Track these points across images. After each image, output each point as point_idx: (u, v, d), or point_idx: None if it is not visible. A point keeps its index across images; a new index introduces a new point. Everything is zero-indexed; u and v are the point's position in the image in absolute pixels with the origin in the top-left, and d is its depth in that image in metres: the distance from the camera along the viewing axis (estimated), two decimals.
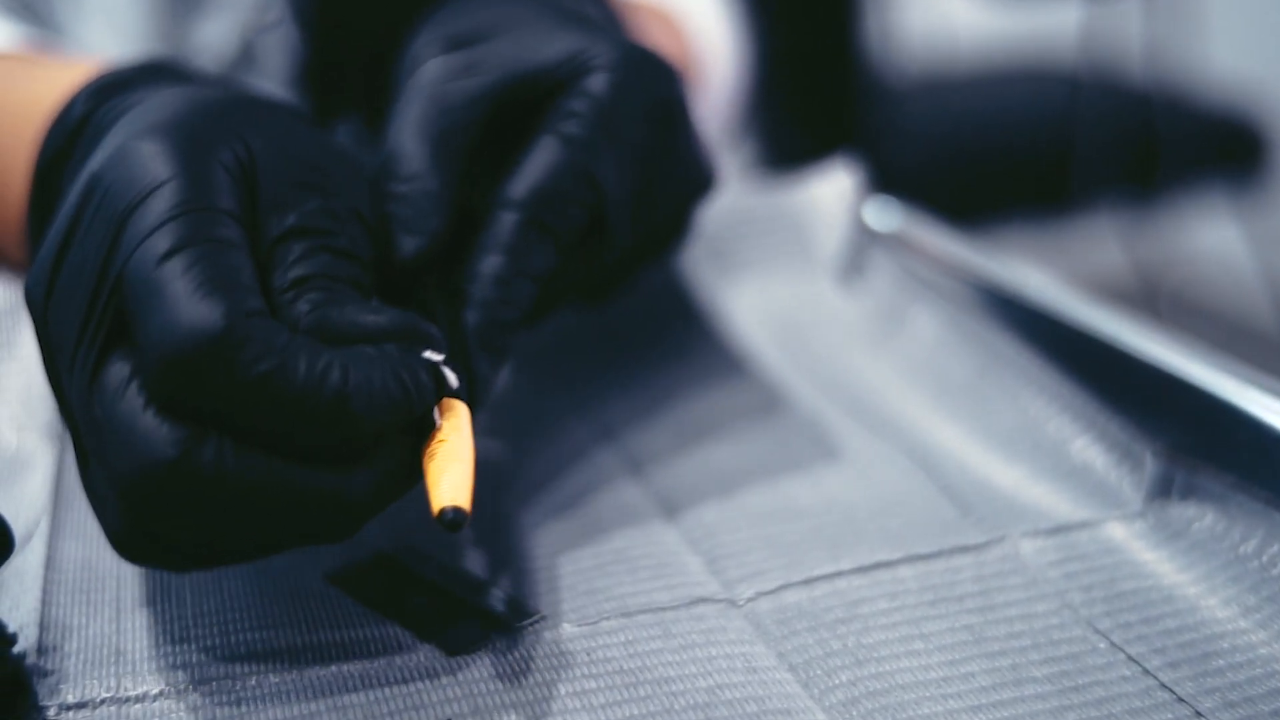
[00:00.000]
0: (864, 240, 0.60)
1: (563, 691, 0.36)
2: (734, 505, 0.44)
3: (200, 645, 0.37)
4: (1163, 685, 0.36)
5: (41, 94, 0.47)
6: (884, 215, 0.61)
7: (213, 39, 0.68)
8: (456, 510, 0.33)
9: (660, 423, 0.50)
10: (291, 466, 0.33)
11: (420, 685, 0.36)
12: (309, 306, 0.35)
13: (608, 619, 0.39)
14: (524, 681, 0.36)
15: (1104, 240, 1.82)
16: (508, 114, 0.43)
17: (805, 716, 0.35)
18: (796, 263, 0.60)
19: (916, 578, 0.41)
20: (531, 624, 0.38)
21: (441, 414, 0.36)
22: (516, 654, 0.37)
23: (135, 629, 0.38)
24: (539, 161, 0.42)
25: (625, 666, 0.37)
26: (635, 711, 0.35)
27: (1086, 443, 0.46)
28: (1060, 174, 1.66)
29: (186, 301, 0.32)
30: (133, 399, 0.33)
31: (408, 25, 0.48)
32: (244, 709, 0.35)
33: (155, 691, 0.36)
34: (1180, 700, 0.36)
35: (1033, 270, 0.54)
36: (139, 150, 0.35)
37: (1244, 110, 1.76)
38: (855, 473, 0.47)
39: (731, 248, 0.59)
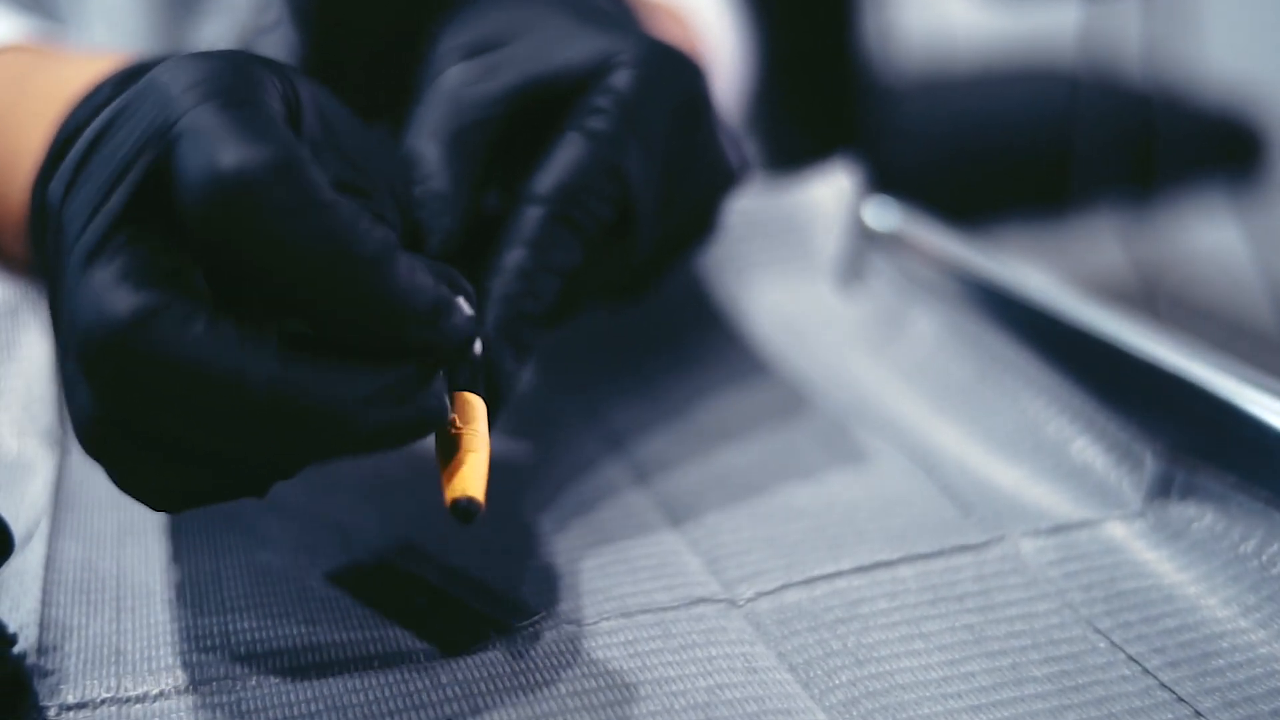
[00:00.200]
0: (864, 241, 0.60)
1: (563, 691, 0.36)
2: (734, 505, 0.44)
3: (200, 645, 0.37)
4: (1163, 685, 0.36)
5: (58, 89, 0.47)
6: (884, 215, 0.61)
7: (213, 40, 0.68)
8: (470, 500, 0.33)
9: (660, 423, 0.50)
10: (264, 347, 0.31)
11: (420, 685, 0.36)
12: None
13: (607, 619, 0.39)
14: (524, 681, 0.36)
15: (1103, 240, 1.83)
16: (532, 115, 0.43)
17: (805, 716, 0.35)
18: (796, 264, 0.60)
19: (917, 577, 0.41)
20: (531, 624, 0.38)
21: (456, 408, 0.36)
22: (516, 654, 0.37)
23: (135, 629, 0.38)
24: (564, 157, 0.42)
25: (625, 666, 0.37)
26: (635, 711, 0.35)
27: (1086, 443, 0.46)
28: (1059, 174, 1.67)
29: (233, 137, 0.31)
30: (120, 262, 0.31)
31: (408, 23, 0.48)
32: (244, 709, 0.35)
33: (155, 692, 0.36)
34: (1180, 700, 0.36)
35: (1033, 270, 0.54)
36: (190, 57, 0.34)
37: (1242, 110, 1.76)
38: (855, 473, 0.47)
39: (731, 250, 0.59)
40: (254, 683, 0.36)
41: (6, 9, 0.60)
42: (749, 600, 0.40)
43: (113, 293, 0.31)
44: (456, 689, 0.36)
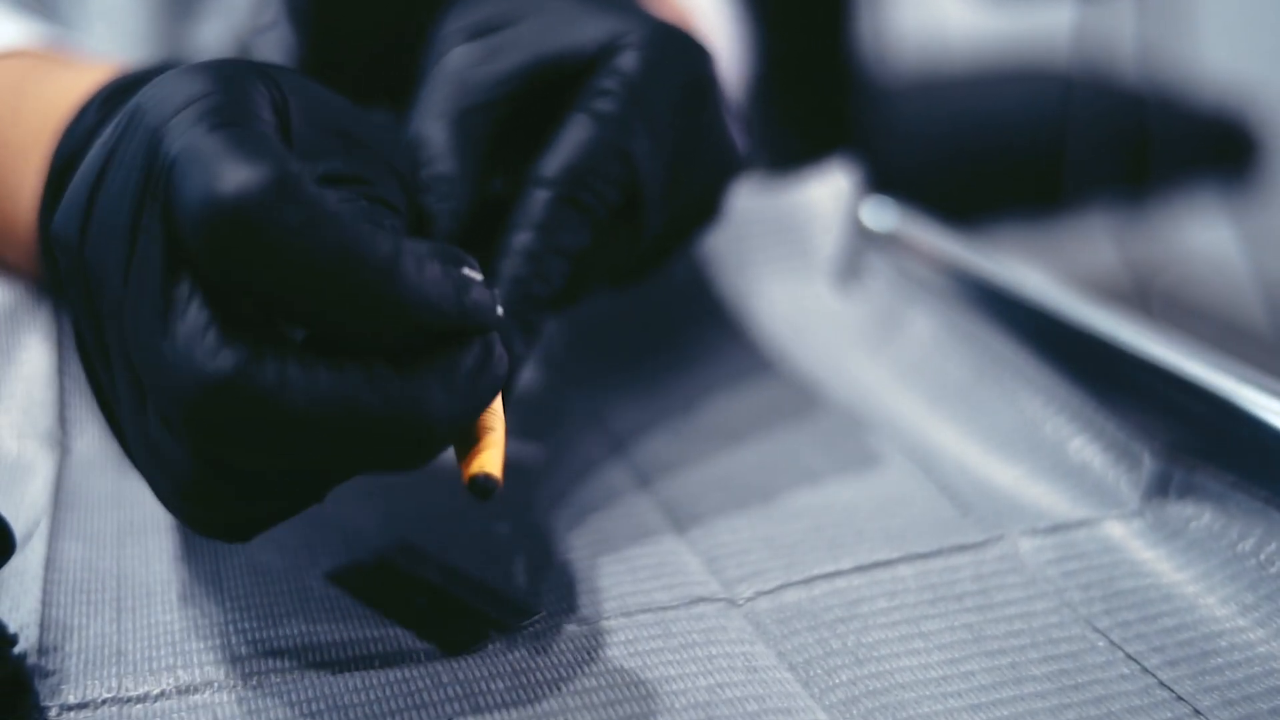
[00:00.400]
0: (861, 241, 0.60)
1: (563, 690, 0.36)
2: (733, 505, 0.44)
3: (202, 645, 0.37)
4: (1161, 683, 0.37)
5: (58, 98, 0.47)
6: (881, 215, 0.61)
7: (211, 41, 0.68)
8: (488, 477, 0.33)
9: (659, 423, 0.50)
10: (358, 373, 0.31)
11: (421, 685, 0.36)
12: None
13: (608, 618, 0.39)
14: (524, 681, 0.36)
15: (1097, 240, 1.83)
16: (538, 97, 0.43)
17: (806, 715, 0.35)
18: (795, 264, 0.60)
19: (916, 577, 0.41)
20: (531, 624, 0.38)
21: None
22: (517, 653, 0.37)
23: (136, 629, 0.38)
24: (571, 139, 0.42)
25: (626, 666, 0.37)
26: (636, 710, 0.35)
27: (1084, 442, 0.46)
28: (1053, 174, 1.67)
29: (231, 159, 0.30)
30: (195, 316, 0.31)
31: (406, 22, 0.48)
32: (245, 708, 0.35)
33: (156, 692, 0.36)
34: (1179, 698, 0.36)
35: (1031, 270, 0.54)
36: (176, 76, 0.34)
37: (1236, 110, 1.76)
38: (854, 472, 0.47)
39: (729, 250, 0.59)
40: (255, 682, 0.36)
41: (6, 11, 0.60)
42: (749, 600, 0.40)
43: (203, 350, 0.30)
44: (457, 688, 0.36)
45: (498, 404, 0.36)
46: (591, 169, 0.42)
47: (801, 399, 0.51)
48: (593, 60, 0.43)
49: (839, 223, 0.60)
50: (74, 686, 0.36)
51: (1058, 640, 0.38)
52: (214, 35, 0.68)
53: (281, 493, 0.34)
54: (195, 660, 0.37)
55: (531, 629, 0.38)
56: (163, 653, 0.37)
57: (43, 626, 0.38)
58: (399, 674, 0.36)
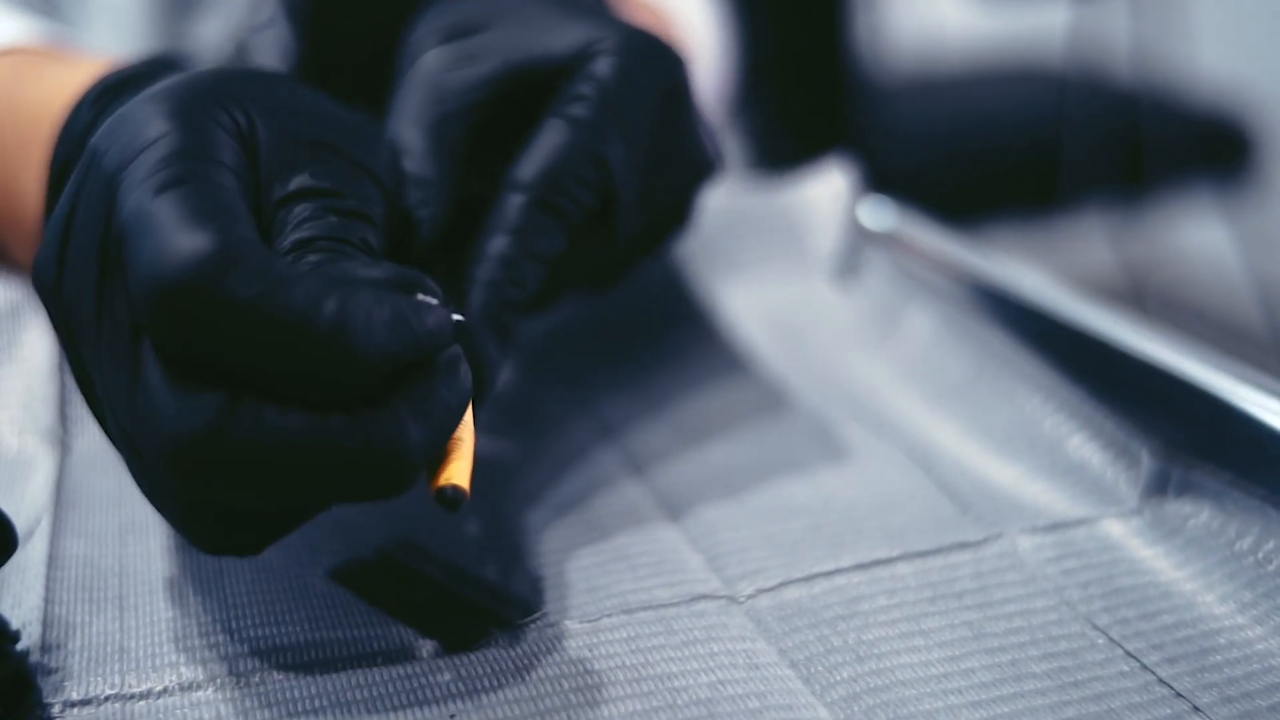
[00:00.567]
0: (859, 239, 0.60)
1: (565, 687, 0.36)
2: (733, 503, 0.45)
3: (204, 642, 0.37)
4: (1161, 680, 0.37)
5: (55, 92, 0.47)
6: (879, 215, 0.61)
7: (211, 38, 0.68)
8: (455, 489, 0.33)
9: (659, 421, 0.50)
10: (326, 420, 0.31)
11: (423, 682, 0.36)
12: (309, 269, 0.34)
13: (609, 616, 0.39)
14: (527, 678, 0.36)
15: (1092, 239, 1.83)
16: (513, 102, 0.43)
17: (807, 712, 0.35)
18: (792, 262, 0.60)
19: (915, 575, 0.41)
20: (533, 621, 0.38)
21: None
22: (519, 651, 0.37)
23: (139, 626, 0.38)
24: (546, 144, 0.42)
25: (627, 663, 0.37)
26: (638, 707, 0.35)
27: (1083, 440, 0.47)
28: (1048, 174, 1.67)
29: (175, 230, 0.31)
30: (164, 374, 0.32)
31: (404, 22, 0.48)
32: (248, 705, 0.35)
33: (159, 689, 0.36)
34: (1178, 695, 0.36)
35: (1030, 270, 0.54)
36: (134, 112, 0.35)
37: (1231, 110, 1.76)
38: (853, 471, 0.47)
39: (727, 247, 0.59)
40: (257, 679, 0.36)
41: (8, 8, 0.60)
42: (749, 597, 0.40)
43: (175, 406, 0.31)
44: (460, 685, 0.36)
45: (467, 414, 0.36)
46: (566, 173, 0.42)
47: (798, 395, 0.52)
48: (568, 66, 0.43)
49: (837, 221, 0.60)
50: (77, 683, 0.36)
51: (1057, 638, 0.38)
52: (213, 32, 0.68)
53: (269, 524, 0.35)
54: (198, 657, 0.37)
55: (533, 626, 0.38)
56: (165, 650, 0.37)
57: (45, 624, 0.38)
58: (401, 671, 0.36)
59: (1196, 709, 0.36)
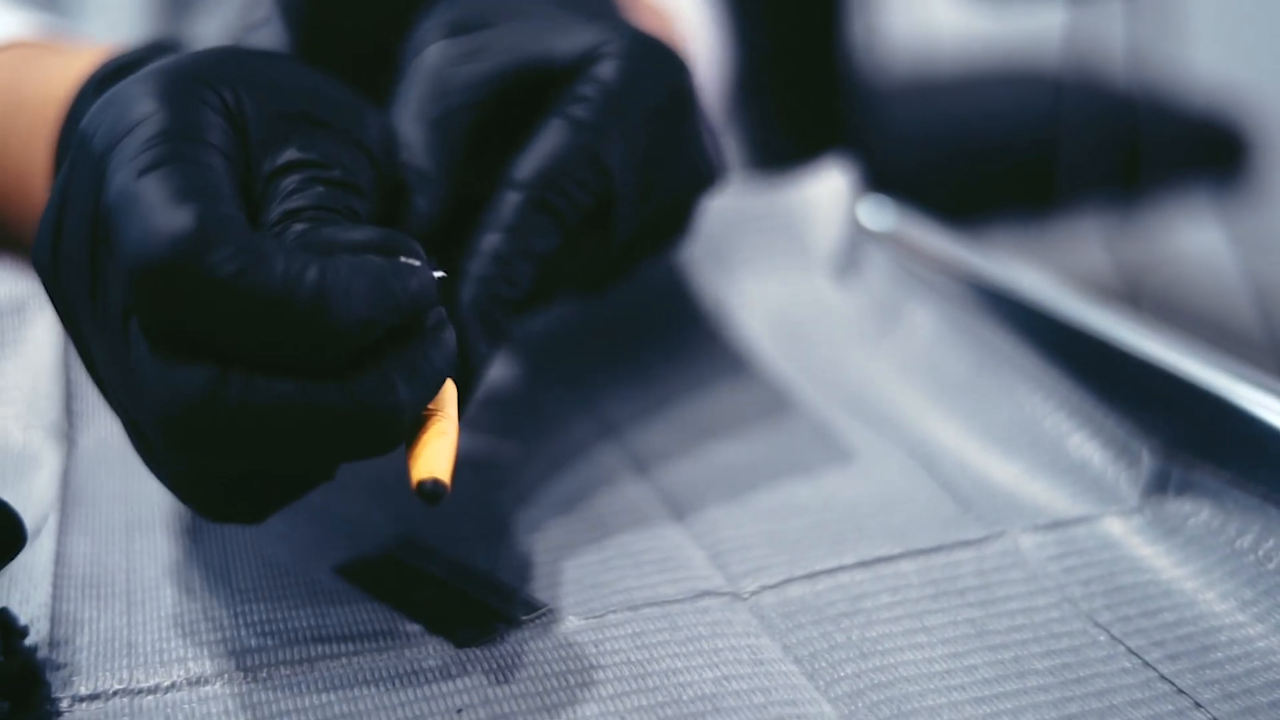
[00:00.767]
0: (859, 239, 0.60)
1: (571, 683, 0.36)
2: (736, 501, 0.45)
3: (211, 637, 0.38)
4: (1162, 677, 0.37)
5: (57, 83, 0.47)
6: (879, 214, 0.61)
7: (209, 37, 0.68)
8: (435, 482, 0.33)
9: (662, 420, 0.50)
10: (314, 386, 0.32)
11: (429, 677, 0.36)
12: (294, 237, 0.34)
13: (614, 612, 0.39)
14: (532, 674, 0.36)
15: (1088, 241, 1.83)
16: (515, 101, 0.43)
17: (812, 708, 0.35)
18: (793, 261, 0.60)
19: (918, 572, 0.41)
20: (538, 617, 0.39)
21: None
22: (524, 647, 0.37)
23: (146, 622, 0.38)
24: (546, 144, 0.42)
25: (632, 659, 0.37)
26: (643, 702, 0.35)
27: (1084, 439, 0.47)
28: (1044, 176, 1.67)
29: (157, 210, 0.32)
30: (148, 349, 0.32)
31: (399, 22, 0.48)
32: (255, 700, 0.35)
33: (167, 683, 0.36)
34: (1180, 692, 0.36)
35: (1030, 270, 0.55)
36: (122, 94, 0.35)
37: (1227, 112, 1.77)
38: (855, 469, 0.47)
39: (729, 246, 0.60)
40: (264, 675, 0.36)
41: (6, 4, 0.60)
42: (753, 594, 0.40)
43: (166, 378, 0.32)
44: (465, 681, 0.36)
45: (452, 408, 0.36)
46: (564, 173, 0.42)
47: (802, 396, 0.52)
48: (572, 67, 0.44)
49: (838, 220, 0.61)
50: (85, 678, 0.36)
51: (1059, 635, 0.39)
52: (211, 30, 0.68)
53: (269, 492, 0.35)
54: (206, 652, 0.37)
55: (538, 622, 0.38)
56: (173, 645, 0.37)
57: (53, 620, 0.38)
58: (407, 667, 0.36)
59: (1198, 705, 0.36)
